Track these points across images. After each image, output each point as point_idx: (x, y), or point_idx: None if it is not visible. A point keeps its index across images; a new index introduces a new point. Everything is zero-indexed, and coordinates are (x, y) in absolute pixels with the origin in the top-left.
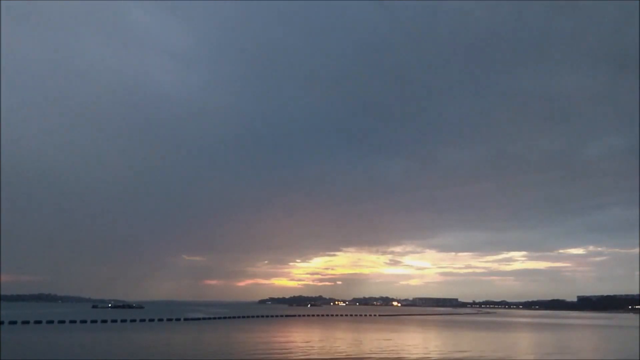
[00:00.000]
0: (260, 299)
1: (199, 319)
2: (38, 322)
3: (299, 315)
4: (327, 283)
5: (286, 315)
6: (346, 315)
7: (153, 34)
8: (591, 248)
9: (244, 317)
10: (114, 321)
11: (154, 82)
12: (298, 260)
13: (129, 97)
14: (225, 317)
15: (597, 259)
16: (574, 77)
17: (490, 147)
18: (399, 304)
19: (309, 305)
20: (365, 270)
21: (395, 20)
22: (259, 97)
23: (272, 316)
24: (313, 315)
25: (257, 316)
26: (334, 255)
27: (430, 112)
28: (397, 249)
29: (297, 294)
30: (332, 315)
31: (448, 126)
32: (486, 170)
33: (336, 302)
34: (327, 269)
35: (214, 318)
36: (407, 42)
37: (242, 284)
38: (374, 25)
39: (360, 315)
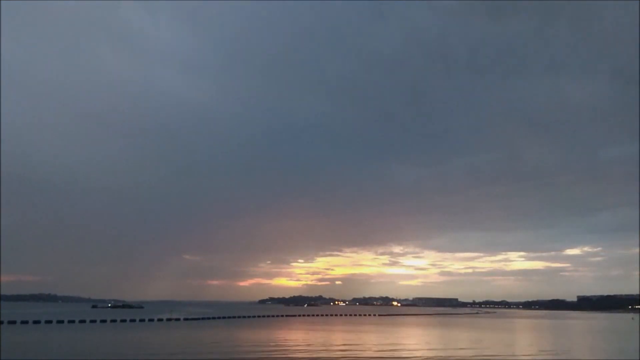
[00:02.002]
0: (260, 299)
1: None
2: (37, 322)
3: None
4: (327, 283)
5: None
6: (340, 315)
7: (166, 43)
8: (591, 248)
9: (225, 317)
10: (113, 321)
11: (162, 87)
12: (301, 260)
13: (134, 100)
14: (203, 318)
15: (597, 259)
16: (587, 88)
17: (496, 155)
18: (399, 304)
19: (305, 305)
20: (366, 270)
21: (410, 32)
22: (271, 104)
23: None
24: (305, 315)
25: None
26: (336, 255)
27: (441, 120)
28: (398, 249)
29: (297, 294)
30: (324, 315)
31: (457, 134)
32: (491, 176)
33: (336, 302)
34: (327, 269)
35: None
36: (421, 53)
37: (244, 283)
38: (388, 36)
39: (356, 315)
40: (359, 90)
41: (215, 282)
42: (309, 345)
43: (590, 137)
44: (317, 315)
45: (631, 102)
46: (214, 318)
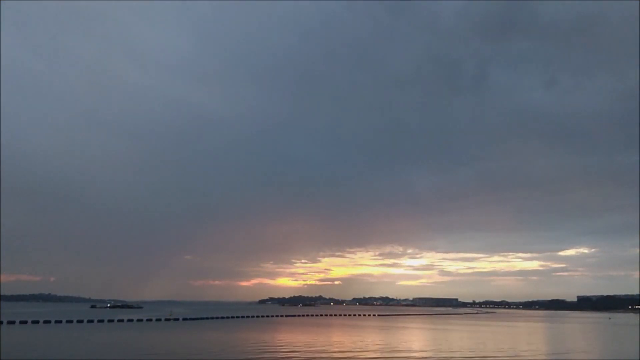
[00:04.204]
0: (261, 299)
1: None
2: (35, 322)
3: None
4: (328, 283)
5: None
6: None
7: (168, 47)
8: (590, 249)
9: (201, 318)
10: (111, 321)
11: (166, 91)
12: (304, 261)
13: (137, 103)
14: (201, 319)
15: (597, 259)
16: (589, 103)
17: (496, 163)
18: (399, 304)
19: (299, 306)
20: (366, 271)
21: (420, 54)
22: (279, 109)
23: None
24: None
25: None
26: (338, 256)
27: (449, 130)
28: (398, 249)
29: (298, 294)
30: (313, 315)
31: (463, 145)
32: (492, 182)
33: (336, 303)
34: (328, 269)
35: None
36: (430, 71)
37: (246, 283)
38: (400, 57)
39: (351, 315)
40: (369, 101)
41: (217, 283)
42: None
43: (591, 146)
44: (307, 315)
45: (632, 115)
46: (208, 318)
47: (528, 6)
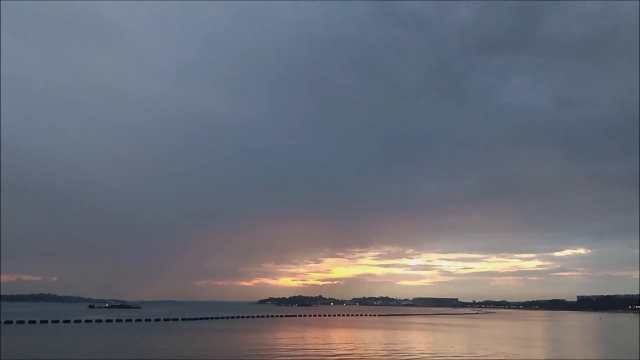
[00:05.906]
0: (261, 299)
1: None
2: (32, 322)
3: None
4: (328, 283)
5: (245, 317)
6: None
7: (190, 61)
8: (592, 249)
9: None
10: (109, 321)
11: (168, 94)
12: (306, 260)
13: (139, 105)
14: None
15: (597, 259)
16: (588, 113)
17: (503, 168)
18: (399, 304)
19: (295, 306)
20: (367, 271)
21: (426, 68)
22: (282, 113)
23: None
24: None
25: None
26: (340, 256)
27: (455, 139)
28: (398, 250)
29: (298, 294)
30: (306, 315)
31: (465, 152)
32: (492, 185)
33: (335, 303)
34: (329, 269)
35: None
36: (441, 85)
37: (246, 283)
38: (406, 69)
39: (348, 315)
40: (375, 107)
41: (217, 283)
42: None
43: (594, 152)
44: (302, 315)
45: (631, 122)
46: (206, 319)
47: (537, 22)
